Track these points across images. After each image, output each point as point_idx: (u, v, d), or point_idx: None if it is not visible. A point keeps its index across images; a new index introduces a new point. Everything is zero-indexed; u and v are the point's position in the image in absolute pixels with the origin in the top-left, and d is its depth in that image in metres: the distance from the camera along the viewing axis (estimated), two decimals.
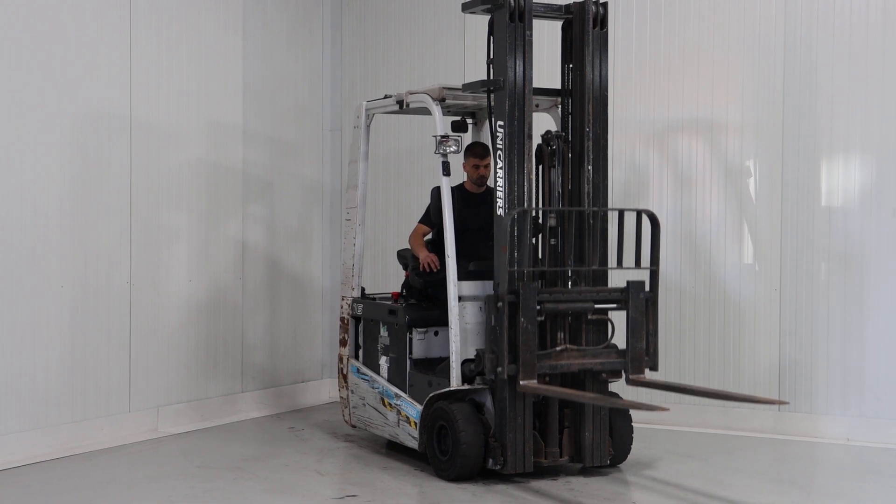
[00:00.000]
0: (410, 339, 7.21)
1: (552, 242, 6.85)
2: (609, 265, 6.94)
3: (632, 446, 7.04)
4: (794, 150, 8.12)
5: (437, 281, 7.20)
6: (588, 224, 6.79)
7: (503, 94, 6.59)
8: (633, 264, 6.77)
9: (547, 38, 7.81)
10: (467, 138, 7.89)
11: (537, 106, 7.33)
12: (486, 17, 6.77)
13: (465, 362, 6.77)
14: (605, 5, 6.87)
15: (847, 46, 7.94)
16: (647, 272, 6.83)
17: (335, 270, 9.74)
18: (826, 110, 8.01)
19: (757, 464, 7.20)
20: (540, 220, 6.92)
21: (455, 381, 6.73)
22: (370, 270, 9.13)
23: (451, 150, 6.93)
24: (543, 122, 7.40)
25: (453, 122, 7.87)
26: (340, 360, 8.01)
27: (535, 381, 6.38)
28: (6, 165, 7.21)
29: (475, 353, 6.72)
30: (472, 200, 7.47)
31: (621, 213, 6.89)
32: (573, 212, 6.78)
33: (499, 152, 6.63)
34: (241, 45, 9.14)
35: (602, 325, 6.80)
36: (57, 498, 6.37)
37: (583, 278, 6.84)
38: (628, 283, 6.70)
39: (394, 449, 7.61)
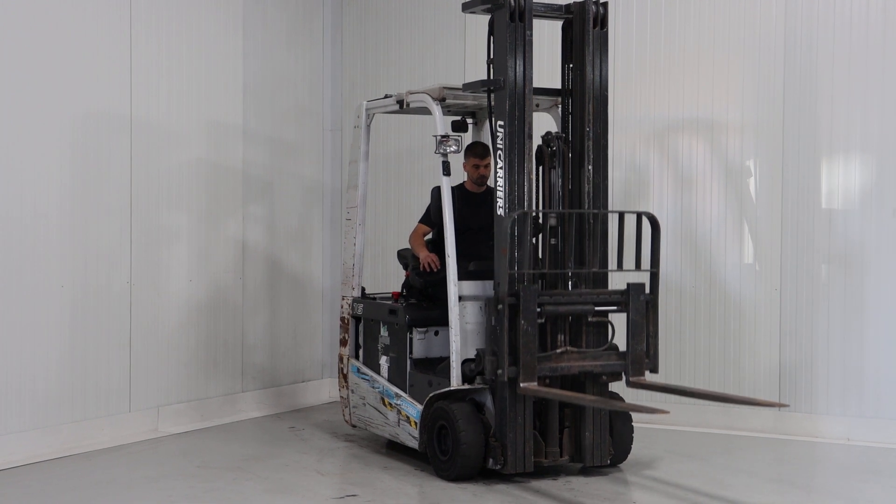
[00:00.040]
0: (411, 339, 7.21)
1: (552, 242, 6.85)
2: (609, 267, 6.94)
3: (632, 446, 7.04)
4: (795, 150, 8.12)
5: (437, 281, 7.20)
6: (588, 225, 6.79)
7: (503, 93, 6.59)
8: (633, 266, 6.77)
9: (547, 37, 7.81)
10: (467, 138, 7.88)
11: (537, 106, 7.33)
12: (487, 17, 6.76)
13: (465, 362, 6.77)
14: (605, 5, 6.86)
15: (847, 46, 7.93)
16: (648, 274, 6.83)
17: (335, 270, 9.74)
18: (826, 110, 8.01)
19: (757, 464, 7.20)
20: (540, 220, 6.93)
21: (455, 381, 6.73)
22: (370, 270, 9.12)
23: (452, 149, 6.93)
24: (543, 122, 7.40)
25: (453, 122, 7.86)
26: (341, 359, 8.00)
27: (536, 383, 6.38)
28: (6, 165, 7.21)
29: (475, 352, 6.72)
30: (473, 200, 7.47)
31: (621, 214, 6.89)
32: (573, 213, 6.78)
33: (499, 152, 6.63)
34: (242, 45, 9.14)
35: (602, 327, 6.80)
36: (57, 498, 6.37)
37: (583, 280, 6.84)
38: (628, 285, 6.70)
39: (394, 449, 7.61)
